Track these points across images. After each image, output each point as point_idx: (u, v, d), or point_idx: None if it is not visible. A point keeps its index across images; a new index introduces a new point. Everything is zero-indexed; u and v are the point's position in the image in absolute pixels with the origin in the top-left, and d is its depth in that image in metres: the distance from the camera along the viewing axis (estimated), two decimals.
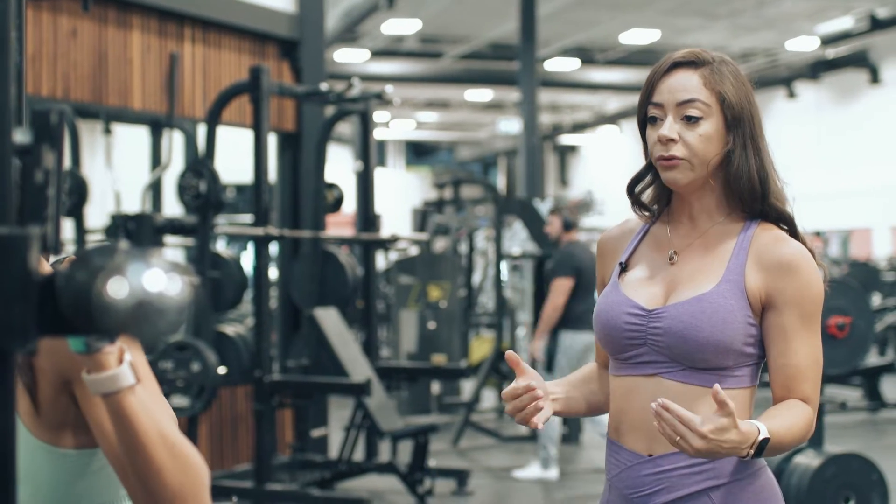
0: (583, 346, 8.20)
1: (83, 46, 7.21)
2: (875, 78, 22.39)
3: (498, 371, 10.54)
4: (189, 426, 6.78)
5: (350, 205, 10.23)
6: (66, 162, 8.35)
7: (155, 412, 1.60)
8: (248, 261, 8.54)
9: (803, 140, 23.81)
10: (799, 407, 2.21)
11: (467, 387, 12.23)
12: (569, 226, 8.66)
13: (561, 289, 8.20)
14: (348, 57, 21.51)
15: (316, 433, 8.51)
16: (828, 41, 19.86)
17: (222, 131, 7.57)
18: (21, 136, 1.17)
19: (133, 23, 7.58)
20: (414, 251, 14.33)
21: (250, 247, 8.59)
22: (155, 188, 9.14)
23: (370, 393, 7.07)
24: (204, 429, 7.72)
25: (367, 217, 8.51)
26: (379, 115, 29.02)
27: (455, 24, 20.46)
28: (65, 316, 1.10)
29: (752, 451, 2.07)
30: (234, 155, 8.70)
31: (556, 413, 2.38)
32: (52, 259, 1.70)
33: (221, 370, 6.85)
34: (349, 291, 8.13)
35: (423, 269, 11.54)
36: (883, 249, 21.90)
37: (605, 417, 2.50)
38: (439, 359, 11.08)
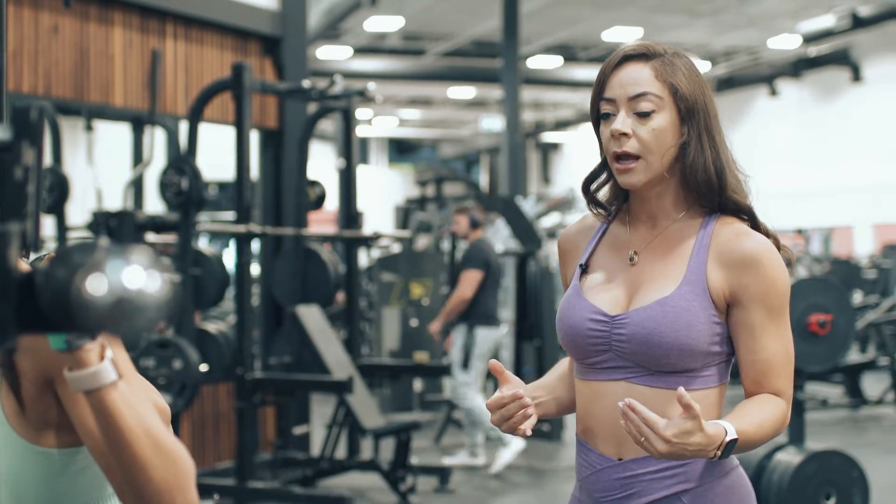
0: (494, 342, 8.65)
1: (65, 43, 7.19)
2: (857, 76, 22.47)
3: None
4: (171, 424, 6.75)
5: (332, 202, 10.21)
6: (48, 159, 8.32)
7: (138, 407, 1.60)
8: (230, 258, 8.51)
9: (785, 138, 23.87)
10: (771, 403, 2.18)
11: (449, 384, 12.22)
12: (475, 224, 8.93)
13: (470, 280, 8.53)
14: (331, 54, 21.49)
15: (298, 431, 8.50)
16: (810, 39, 19.94)
17: (204, 128, 7.55)
18: (1, 132, 1.17)
19: (115, 19, 7.55)
20: (396, 248, 14.33)
21: (232, 244, 8.56)
22: (137, 185, 9.11)
23: (352, 390, 7.07)
24: (186, 426, 7.71)
25: (349, 214, 8.50)
26: (361, 113, 28.99)
27: (438, 22, 20.46)
28: (44, 313, 1.10)
29: (719, 453, 2.05)
30: (216, 152, 8.67)
31: (542, 416, 2.36)
32: (33, 256, 1.69)
33: (203, 368, 6.84)
34: (331, 289, 8.14)
35: (406, 267, 11.53)
36: (864, 247, 21.98)
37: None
38: (421, 356, 11.07)
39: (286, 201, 8.74)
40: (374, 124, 33.23)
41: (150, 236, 6.76)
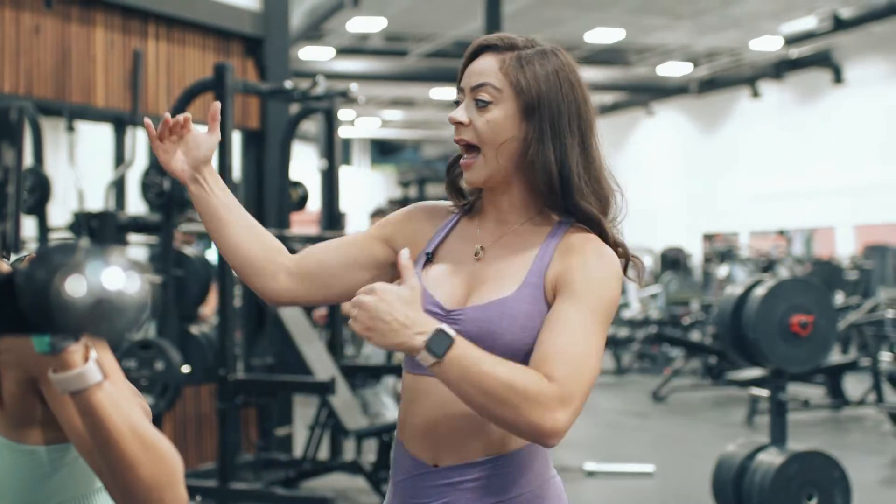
0: None
1: (46, 43, 7.17)
2: (838, 78, 22.52)
3: None
4: (153, 425, 6.74)
5: (315, 203, 10.20)
6: (29, 159, 8.29)
7: (124, 406, 1.59)
8: (212, 258, 8.50)
9: (767, 139, 23.92)
10: (532, 374, 1.96)
11: None
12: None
13: None
14: (313, 55, 21.46)
15: (280, 432, 8.49)
16: (791, 41, 19.98)
17: None
18: None
19: (96, 19, 7.53)
20: None
21: (214, 245, 8.52)
22: (118, 186, 9.08)
23: (335, 391, 7.06)
24: (168, 428, 7.69)
25: (331, 215, 8.49)
26: (344, 113, 28.98)
27: (420, 23, 20.44)
28: (24, 314, 1.09)
29: (422, 340, 1.90)
30: None
31: (195, 194, 2.32)
32: (13, 257, 1.69)
33: (185, 369, 6.82)
34: None
35: None
36: (845, 248, 22.04)
37: None
38: (401, 357, 11.07)
39: (268, 202, 8.73)
40: (357, 125, 33.20)
41: (133, 237, 6.74)
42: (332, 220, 8.47)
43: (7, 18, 6.90)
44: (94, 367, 1.54)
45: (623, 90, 25.61)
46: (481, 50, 2.22)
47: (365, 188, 31.45)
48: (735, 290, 6.04)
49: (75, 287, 1.06)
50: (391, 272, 2.31)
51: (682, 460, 9.29)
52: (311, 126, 23.45)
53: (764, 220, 23.75)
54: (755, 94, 24.27)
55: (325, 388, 7.04)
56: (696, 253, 24.09)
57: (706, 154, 26.10)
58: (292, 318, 7.66)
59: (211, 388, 7.92)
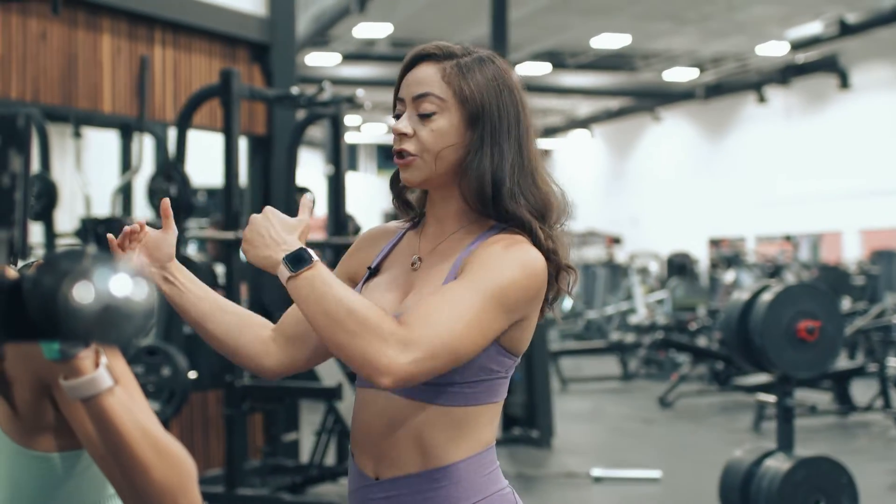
0: None
1: (53, 49, 7.18)
2: (844, 83, 22.52)
3: None
4: None
5: (321, 208, 10.20)
6: (36, 165, 8.30)
7: (136, 411, 1.60)
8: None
9: (773, 144, 23.92)
10: (382, 312, 1.96)
11: None
12: (357, 231, 8.89)
13: None
14: (319, 60, 21.49)
15: (287, 438, 8.48)
16: (798, 46, 19.98)
17: (193, 135, 7.54)
18: None
19: (103, 26, 7.54)
20: None
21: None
22: (125, 192, 9.09)
23: (341, 397, 7.06)
24: (174, 434, 7.65)
25: (338, 221, 8.49)
26: (350, 119, 29.01)
27: (426, 28, 20.46)
28: (32, 321, 1.10)
29: (285, 255, 2.01)
30: (205, 158, 8.66)
31: (168, 293, 2.31)
32: (21, 264, 1.69)
33: (192, 375, 6.82)
34: None
35: None
36: (852, 253, 22.03)
37: None
38: None
39: (275, 208, 8.71)
40: (363, 131, 33.24)
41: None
42: (339, 225, 8.47)
43: (14, 24, 6.91)
44: (105, 372, 1.54)
45: (629, 96, 25.64)
46: (419, 59, 2.20)
47: (371, 194, 31.46)
48: (742, 296, 6.03)
49: (83, 294, 1.06)
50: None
51: (689, 466, 9.28)
52: (317, 132, 23.48)
53: (770, 225, 23.74)
54: (761, 99, 24.27)
55: (331, 394, 7.04)
56: (702, 258, 24.08)
57: (712, 159, 26.10)
58: None
59: (217, 393, 7.93)
